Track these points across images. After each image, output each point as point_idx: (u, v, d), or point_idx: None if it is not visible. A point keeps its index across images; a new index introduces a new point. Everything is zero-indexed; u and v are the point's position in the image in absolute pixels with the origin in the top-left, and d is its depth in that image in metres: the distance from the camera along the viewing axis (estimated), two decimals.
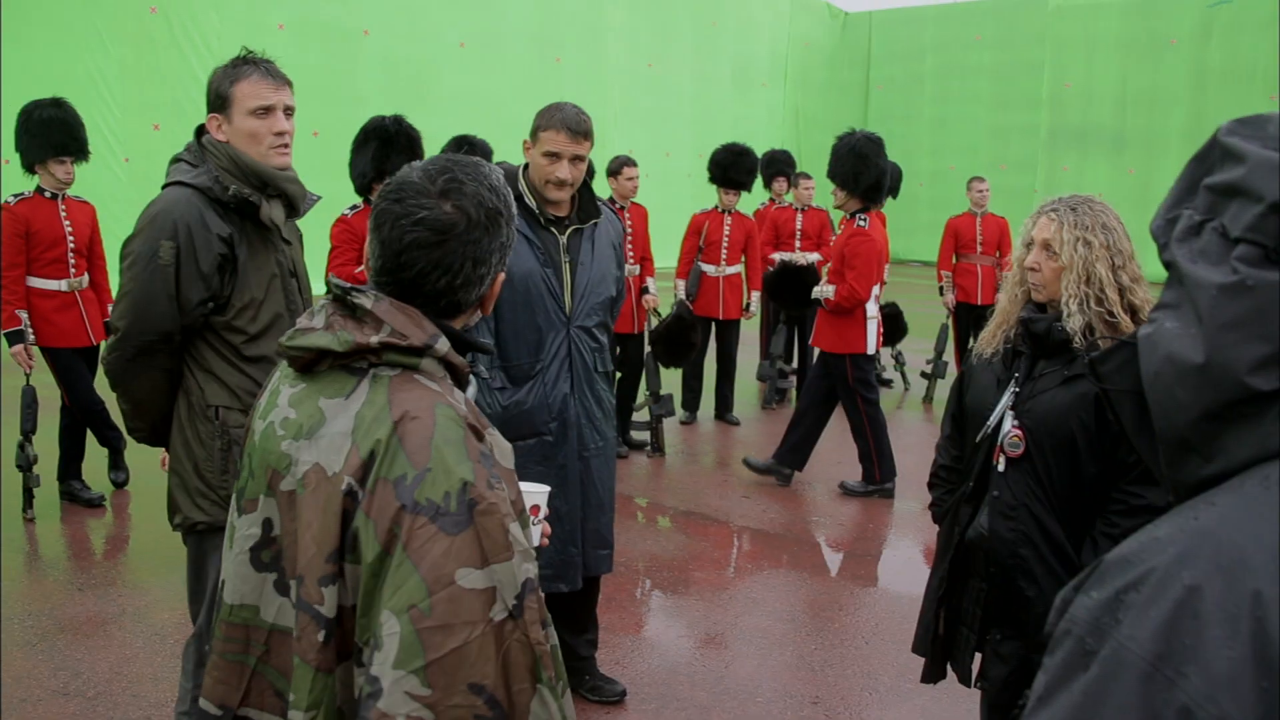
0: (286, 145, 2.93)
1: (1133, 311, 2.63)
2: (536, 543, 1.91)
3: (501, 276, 1.63)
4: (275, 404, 1.58)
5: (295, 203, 3.03)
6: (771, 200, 9.84)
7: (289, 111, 2.93)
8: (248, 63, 2.88)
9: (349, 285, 1.54)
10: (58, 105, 5.71)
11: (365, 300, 1.51)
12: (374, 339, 1.48)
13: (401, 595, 1.35)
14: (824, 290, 6.65)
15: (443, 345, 1.53)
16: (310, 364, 1.55)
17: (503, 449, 1.55)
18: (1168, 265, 0.90)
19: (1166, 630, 0.76)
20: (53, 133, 5.64)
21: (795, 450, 6.88)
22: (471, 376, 1.62)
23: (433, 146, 5.12)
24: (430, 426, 1.43)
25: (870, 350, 6.68)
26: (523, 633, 1.40)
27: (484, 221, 1.53)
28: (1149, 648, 0.76)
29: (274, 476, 1.53)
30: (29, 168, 5.70)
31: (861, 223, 6.51)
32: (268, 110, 2.86)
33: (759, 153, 8.77)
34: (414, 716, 1.33)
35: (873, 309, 6.64)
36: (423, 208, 1.51)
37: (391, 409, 1.45)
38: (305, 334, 1.54)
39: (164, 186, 2.95)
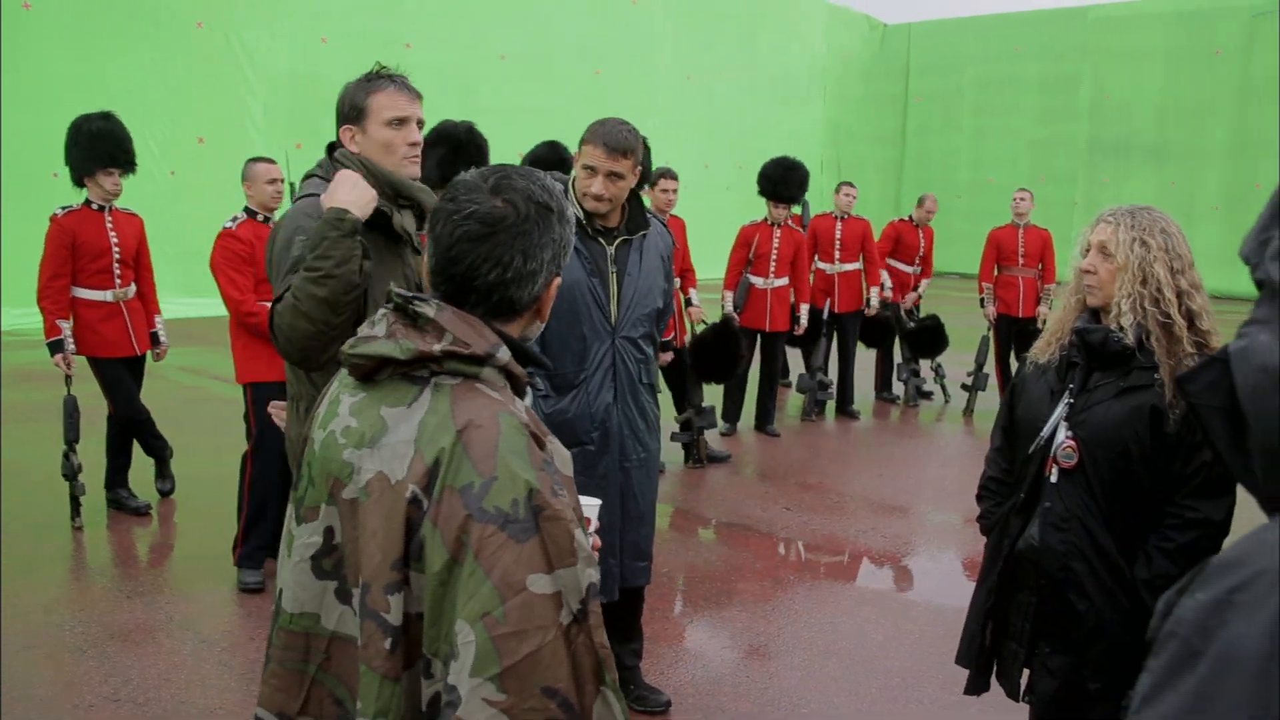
0: (419, 156, 2.96)
1: (1190, 317, 2.61)
2: None
3: (558, 281, 1.63)
4: (336, 413, 1.59)
5: (427, 212, 3.00)
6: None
7: (420, 124, 2.96)
8: (384, 76, 2.91)
9: (411, 294, 1.55)
10: (106, 118, 5.78)
11: (428, 309, 1.52)
12: (436, 347, 1.49)
13: (475, 603, 1.36)
14: None
15: (504, 354, 1.53)
16: (371, 372, 1.55)
17: (563, 457, 1.55)
18: (1260, 283, 0.91)
19: (1278, 629, 0.76)
20: (102, 145, 5.72)
21: None
22: (527, 387, 1.62)
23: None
24: (495, 435, 1.44)
25: None
26: (587, 636, 1.41)
27: (534, 215, 1.54)
28: (1260, 646, 0.77)
29: (335, 485, 1.54)
30: (79, 181, 5.78)
31: None
32: (403, 122, 2.89)
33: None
34: None
35: None
36: (473, 202, 1.53)
37: (455, 417, 1.46)
38: (367, 342, 1.54)
39: (296, 199, 2.98)
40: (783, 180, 8.11)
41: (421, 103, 2.97)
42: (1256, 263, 0.92)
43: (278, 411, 3.18)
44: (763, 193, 8.24)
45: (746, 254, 8.36)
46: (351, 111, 2.91)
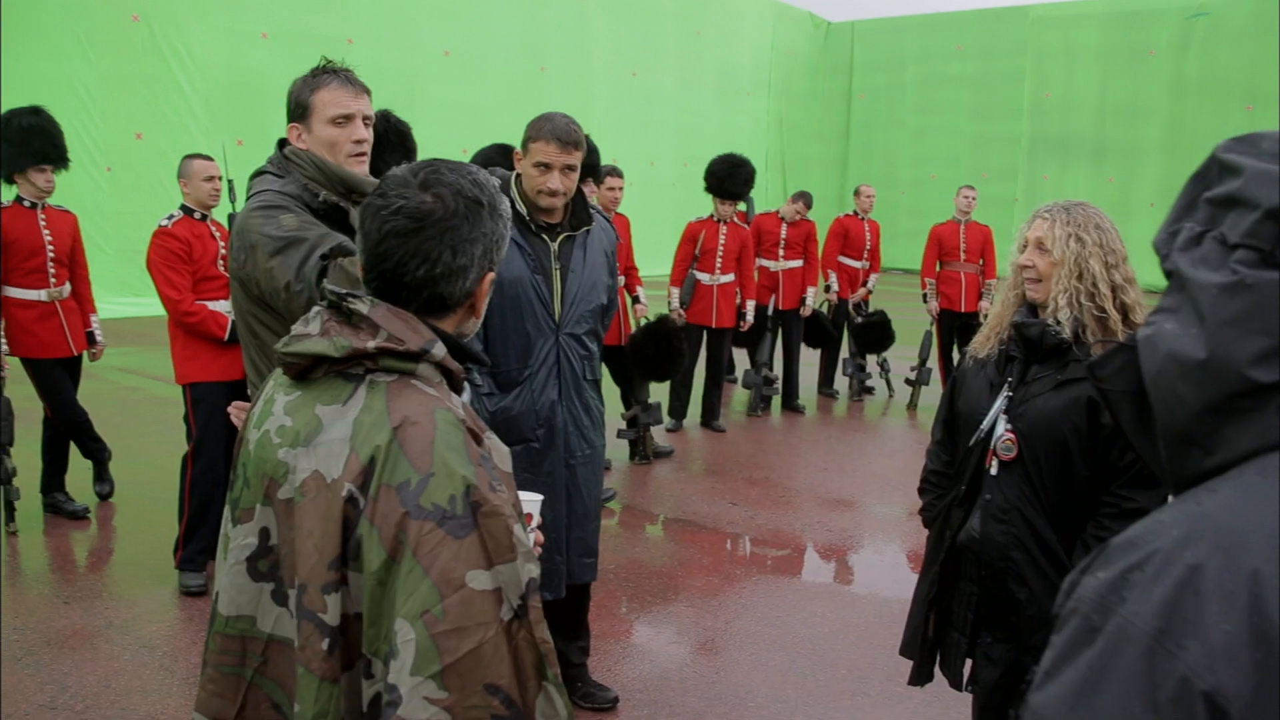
0: (364, 154, 2.89)
1: (1124, 311, 2.66)
2: None
3: (491, 276, 1.60)
4: (270, 412, 1.57)
5: None
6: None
7: (367, 121, 2.89)
8: (328, 71, 2.84)
9: (345, 291, 1.53)
10: (36, 113, 5.66)
11: (361, 306, 1.50)
12: (371, 344, 1.48)
13: (414, 601, 1.35)
14: None
15: (439, 350, 1.52)
16: (305, 371, 1.53)
17: (500, 453, 1.54)
18: (1169, 274, 0.95)
19: (1169, 606, 0.80)
20: (33, 141, 5.59)
21: None
22: (465, 383, 1.61)
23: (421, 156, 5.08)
24: (431, 431, 1.43)
25: None
26: (528, 632, 1.40)
27: (463, 210, 1.52)
28: (1152, 623, 0.80)
29: (271, 485, 1.52)
30: (8, 178, 5.64)
31: None
32: (347, 119, 2.83)
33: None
34: None
35: None
36: (402, 197, 1.51)
37: (390, 414, 1.44)
38: (301, 340, 1.52)
39: (249, 197, 2.91)
40: (729, 176, 8.16)
41: (370, 97, 2.90)
42: (1166, 253, 0.96)
43: (238, 413, 3.14)
44: (709, 189, 8.28)
45: (693, 250, 8.40)
46: (297, 109, 2.86)
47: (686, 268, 8.40)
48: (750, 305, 8.63)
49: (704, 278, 8.37)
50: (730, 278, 8.44)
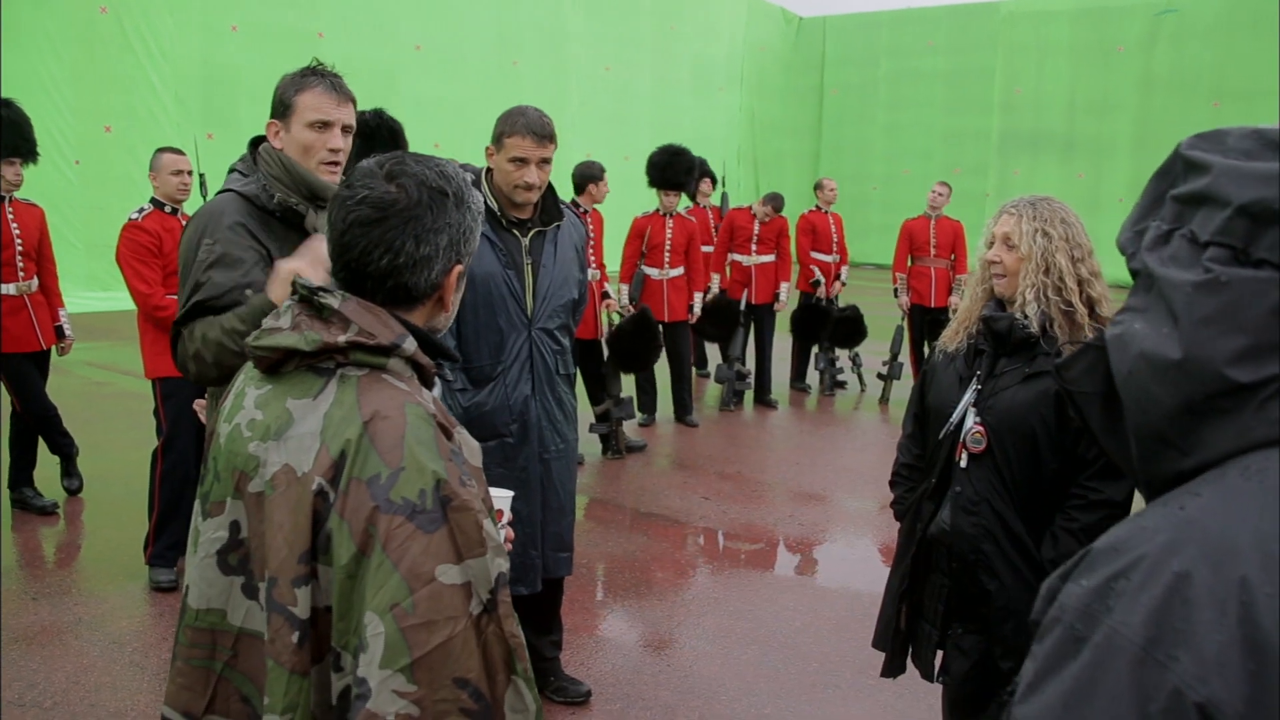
0: (338, 163, 2.85)
1: (1090, 304, 2.69)
2: None
3: (459, 269, 1.60)
4: (241, 406, 1.57)
5: None
6: (695, 205, 10.04)
7: (347, 130, 2.85)
8: (315, 74, 2.81)
9: (316, 285, 1.53)
10: (6, 106, 5.61)
11: (332, 300, 1.51)
12: (341, 338, 1.48)
13: (383, 595, 1.35)
14: None
15: (410, 345, 1.52)
16: (276, 365, 1.53)
17: (471, 447, 1.55)
18: (1135, 273, 0.93)
19: (1158, 616, 0.78)
20: (2, 134, 5.55)
21: None
22: (435, 378, 1.61)
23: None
24: (402, 425, 1.43)
25: None
26: (497, 626, 1.41)
27: (426, 200, 1.53)
28: (1141, 633, 0.78)
29: (241, 479, 1.52)
30: None
31: None
32: (326, 125, 2.79)
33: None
34: (402, 714, 1.33)
35: None
36: (367, 188, 1.52)
37: (361, 409, 1.45)
38: (272, 334, 1.52)
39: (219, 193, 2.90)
40: (668, 165, 8.17)
41: (353, 106, 2.86)
42: (1133, 252, 0.94)
43: (202, 410, 3.12)
44: (651, 182, 8.28)
45: (640, 245, 8.39)
46: (279, 107, 2.82)
47: (635, 264, 8.40)
48: (698, 298, 8.61)
49: (652, 272, 8.37)
50: (679, 271, 8.43)
